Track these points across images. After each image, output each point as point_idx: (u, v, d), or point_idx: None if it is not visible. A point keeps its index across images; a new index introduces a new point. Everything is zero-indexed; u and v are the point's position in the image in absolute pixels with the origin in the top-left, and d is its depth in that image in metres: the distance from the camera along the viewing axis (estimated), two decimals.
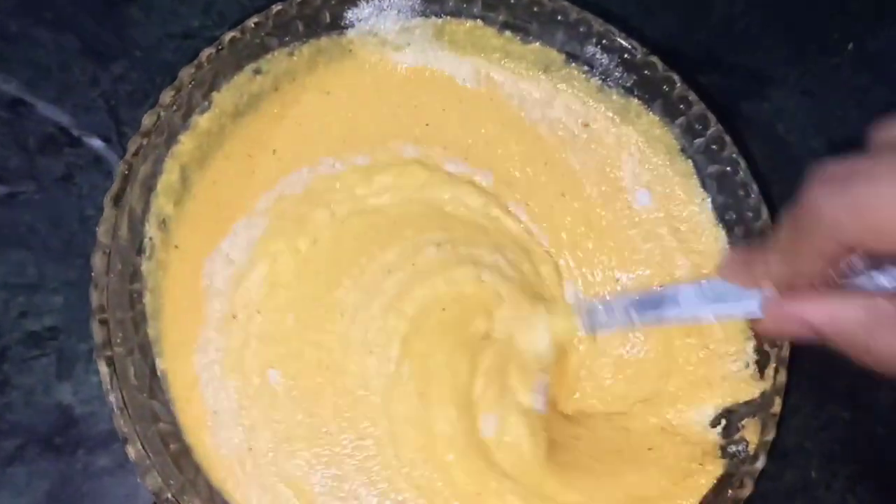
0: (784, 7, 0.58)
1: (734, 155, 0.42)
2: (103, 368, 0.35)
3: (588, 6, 0.46)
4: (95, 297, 0.35)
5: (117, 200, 0.36)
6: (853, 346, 0.31)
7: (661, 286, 0.42)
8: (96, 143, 0.49)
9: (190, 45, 0.51)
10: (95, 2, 0.52)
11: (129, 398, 0.35)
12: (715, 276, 0.37)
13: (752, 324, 0.39)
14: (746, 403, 0.40)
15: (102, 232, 0.36)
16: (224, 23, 0.52)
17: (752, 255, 0.35)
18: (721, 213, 0.43)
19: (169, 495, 0.34)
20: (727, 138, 0.42)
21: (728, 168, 0.42)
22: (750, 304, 0.34)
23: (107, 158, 0.49)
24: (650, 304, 0.39)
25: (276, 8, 0.41)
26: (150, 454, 0.34)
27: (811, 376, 0.49)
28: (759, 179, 0.43)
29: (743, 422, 0.39)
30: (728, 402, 0.41)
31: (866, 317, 0.30)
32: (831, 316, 0.31)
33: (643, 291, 0.41)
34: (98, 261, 0.36)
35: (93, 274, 0.36)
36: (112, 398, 0.34)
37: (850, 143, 0.52)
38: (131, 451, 0.34)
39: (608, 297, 0.42)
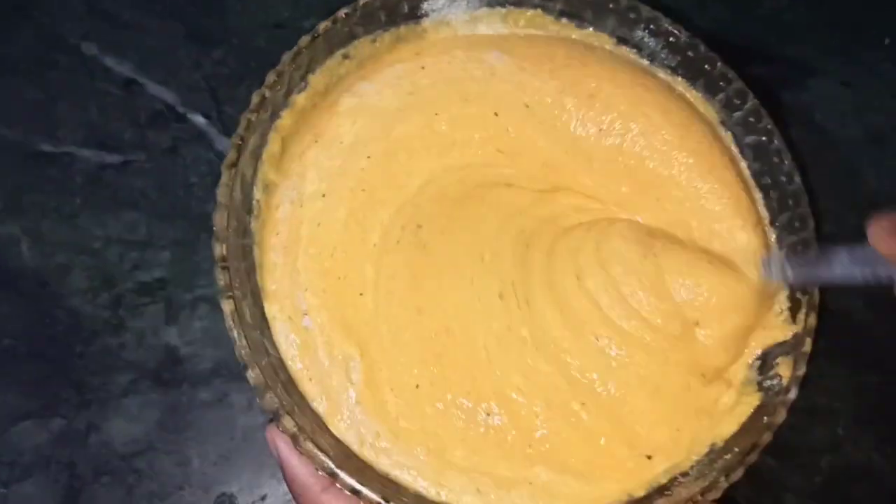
0: (826, 2, 0.61)
1: (769, 126, 0.45)
2: (228, 308, 0.38)
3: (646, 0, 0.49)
4: (218, 249, 0.39)
5: (232, 167, 0.41)
6: None
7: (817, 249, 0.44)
8: (199, 119, 0.55)
9: (281, 34, 0.57)
10: None
11: (247, 334, 0.38)
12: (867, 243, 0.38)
13: None
14: (780, 345, 0.43)
15: (221, 194, 0.40)
16: (310, 14, 0.57)
17: None
18: (758, 178, 0.47)
19: (282, 414, 0.37)
20: (763, 111, 0.46)
21: (764, 138, 0.45)
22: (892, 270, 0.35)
23: (208, 133, 0.54)
24: (805, 263, 0.41)
25: (362, 0, 0.46)
26: (267, 380, 0.38)
27: (844, 346, 0.53)
28: (796, 162, 0.47)
29: (777, 360, 0.42)
30: (767, 343, 0.44)
31: None
32: None
33: (800, 255, 0.43)
34: (219, 218, 0.39)
35: (215, 229, 0.39)
36: (235, 333, 0.38)
37: (885, 130, 0.57)
38: (251, 376, 0.37)
39: (766, 253, 0.44)
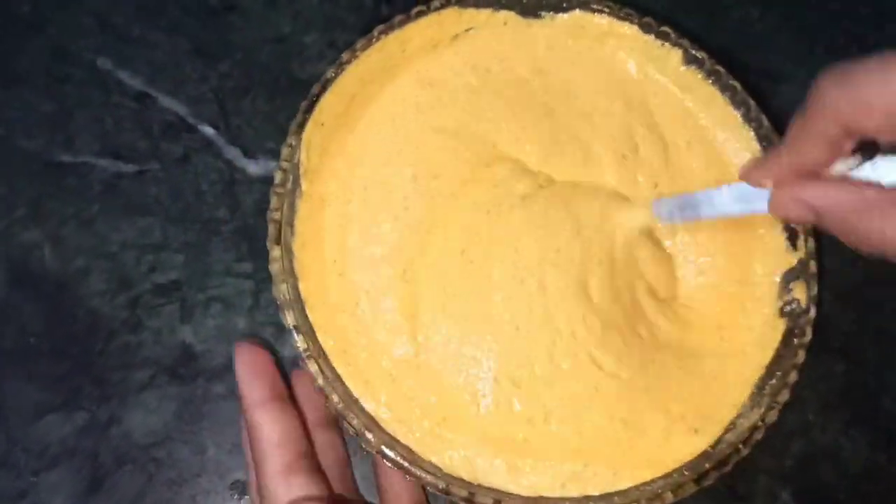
0: (796, 12, 0.64)
1: (731, 81, 0.51)
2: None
3: None
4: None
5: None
6: (842, 229, 0.34)
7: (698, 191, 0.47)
8: (208, 130, 0.57)
9: (281, 48, 0.59)
10: (202, 10, 0.60)
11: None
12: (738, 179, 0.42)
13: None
14: (789, 272, 0.47)
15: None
16: (310, 29, 0.60)
17: (765, 155, 0.39)
18: None
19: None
20: (721, 69, 0.51)
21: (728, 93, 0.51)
22: (764, 202, 0.39)
23: (216, 143, 0.57)
24: (690, 206, 0.45)
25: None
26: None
27: (812, 336, 0.55)
28: None
29: (790, 286, 0.47)
30: (782, 270, 0.48)
31: (856, 202, 0.34)
32: (825, 199, 0.35)
33: (686, 195, 0.47)
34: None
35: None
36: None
37: None
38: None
39: (663, 198, 0.48)
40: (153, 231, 0.55)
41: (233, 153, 0.57)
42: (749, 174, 0.39)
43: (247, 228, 0.55)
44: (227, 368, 0.52)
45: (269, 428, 0.43)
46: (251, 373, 0.43)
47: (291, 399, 0.47)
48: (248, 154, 0.56)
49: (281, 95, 0.58)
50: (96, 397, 0.52)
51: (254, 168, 0.56)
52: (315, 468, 0.43)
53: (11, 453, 0.50)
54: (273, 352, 0.52)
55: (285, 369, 0.51)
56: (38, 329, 0.53)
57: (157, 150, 0.56)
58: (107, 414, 0.51)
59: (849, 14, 0.64)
